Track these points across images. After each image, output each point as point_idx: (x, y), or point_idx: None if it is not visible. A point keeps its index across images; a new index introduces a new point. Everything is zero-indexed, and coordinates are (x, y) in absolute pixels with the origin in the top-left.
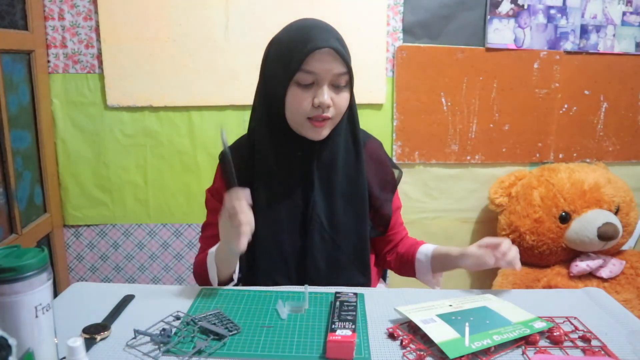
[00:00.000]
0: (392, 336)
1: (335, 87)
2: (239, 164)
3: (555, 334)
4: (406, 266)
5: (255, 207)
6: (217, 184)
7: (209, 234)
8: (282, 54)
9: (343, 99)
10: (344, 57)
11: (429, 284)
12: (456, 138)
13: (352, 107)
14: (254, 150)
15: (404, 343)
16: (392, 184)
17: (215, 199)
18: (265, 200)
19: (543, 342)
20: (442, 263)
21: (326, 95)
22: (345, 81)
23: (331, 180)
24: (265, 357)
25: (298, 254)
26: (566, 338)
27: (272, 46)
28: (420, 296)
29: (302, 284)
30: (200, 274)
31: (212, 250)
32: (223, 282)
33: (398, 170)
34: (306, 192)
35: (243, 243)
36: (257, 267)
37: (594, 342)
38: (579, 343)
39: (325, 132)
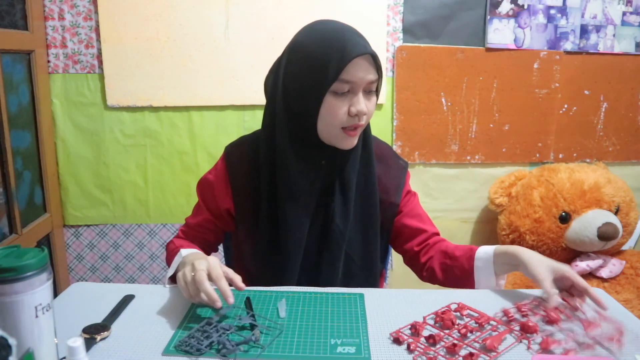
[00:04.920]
0: (397, 341)
1: (367, 93)
2: (252, 160)
3: (551, 314)
4: (462, 276)
5: (279, 217)
6: (211, 176)
7: (192, 222)
8: (314, 62)
9: (373, 104)
10: (378, 64)
11: (491, 288)
12: (456, 138)
13: None
14: (268, 150)
15: (411, 347)
16: (397, 180)
17: (202, 194)
18: (288, 210)
19: (542, 326)
20: (503, 263)
21: (362, 103)
22: (375, 87)
23: (349, 188)
24: (265, 357)
25: (314, 262)
26: (562, 317)
27: (294, 55)
28: (421, 297)
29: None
30: (168, 261)
31: (183, 253)
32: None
33: (402, 161)
34: (327, 201)
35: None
36: (274, 272)
37: (589, 314)
38: (574, 315)
39: (356, 141)
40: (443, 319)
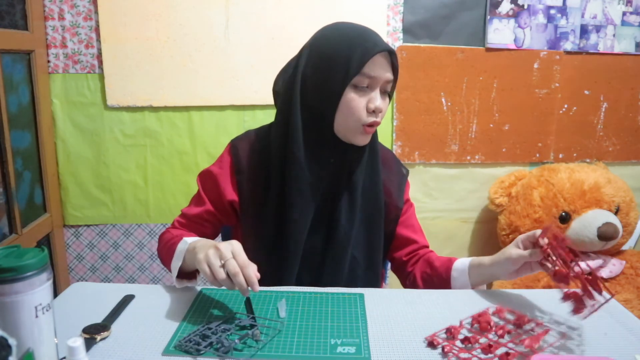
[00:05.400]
0: (431, 344)
1: (382, 93)
2: (258, 153)
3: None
4: (440, 285)
5: (284, 212)
6: (215, 168)
7: (190, 213)
8: (338, 54)
9: (387, 105)
10: (396, 65)
11: None
12: (456, 138)
13: None
14: (280, 146)
15: (445, 350)
16: (399, 187)
17: (204, 185)
18: (293, 201)
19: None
20: (478, 275)
21: (379, 100)
22: (391, 88)
23: (355, 190)
24: (265, 357)
25: (318, 263)
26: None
27: (316, 49)
28: (420, 296)
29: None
30: (164, 255)
31: (188, 241)
32: (185, 276)
33: (404, 169)
34: (333, 200)
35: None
36: (277, 270)
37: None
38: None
39: (369, 139)
40: (480, 322)
